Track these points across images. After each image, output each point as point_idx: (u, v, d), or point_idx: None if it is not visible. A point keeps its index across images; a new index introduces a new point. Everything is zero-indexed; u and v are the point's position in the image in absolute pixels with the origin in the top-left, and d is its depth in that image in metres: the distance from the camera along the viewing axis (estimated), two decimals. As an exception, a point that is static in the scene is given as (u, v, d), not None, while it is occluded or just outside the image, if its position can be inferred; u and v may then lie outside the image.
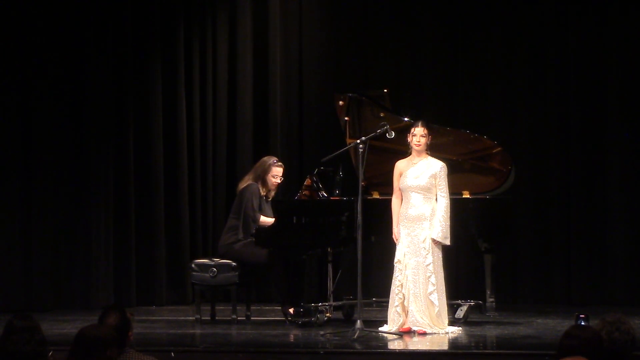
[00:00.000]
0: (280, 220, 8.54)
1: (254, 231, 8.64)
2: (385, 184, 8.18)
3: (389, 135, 8.01)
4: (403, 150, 8.06)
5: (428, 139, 7.94)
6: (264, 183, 8.78)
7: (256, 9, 10.73)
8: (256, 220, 8.72)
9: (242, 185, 8.83)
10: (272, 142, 10.60)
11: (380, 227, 8.09)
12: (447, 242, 7.84)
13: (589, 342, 4.00)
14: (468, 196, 8.58)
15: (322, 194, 8.75)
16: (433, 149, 8.24)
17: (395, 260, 7.85)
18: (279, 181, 8.84)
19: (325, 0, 10.86)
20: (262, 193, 8.79)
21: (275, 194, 8.92)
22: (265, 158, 8.96)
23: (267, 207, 8.83)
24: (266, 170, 8.78)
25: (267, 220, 8.72)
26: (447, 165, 8.13)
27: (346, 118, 8.84)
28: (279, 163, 8.87)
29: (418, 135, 7.89)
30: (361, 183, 7.87)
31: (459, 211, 8.28)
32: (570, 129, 10.19)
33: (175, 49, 10.56)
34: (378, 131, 8.02)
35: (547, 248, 10.21)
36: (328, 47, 10.74)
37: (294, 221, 8.49)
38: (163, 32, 10.55)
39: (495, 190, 8.72)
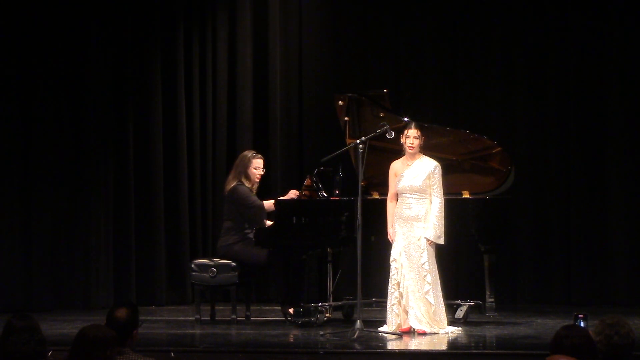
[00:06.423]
0: (280, 220, 8.54)
1: (265, 217, 8.65)
2: (385, 184, 8.18)
3: (389, 135, 8.01)
4: (402, 151, 8.07)
5: (421, 140, 7.94)
6: (247, 177, 8.77)
7: (256, 9, 10.73)
8: (261, 207, 8.70)
9: (228, 186, 8.81)
10: (272, 142, 10.60)
11: (380, 227, 8.08)
12: (441, 241, 7.85)
13: (580, 343, 4.00)
14: (468, 196, 8.58)
15: (322, 194, 8.76)
16: (433, 149, 8.26)
17: (391, 259, 7.86)
18: (262, 173, 8.84)
19: (325, 1, 10.86)
20: (248, 186, 8.79)
21: (259, 187, 8.91)
22: (244, 153, 8.95)
23: None
24: (246, 165, 8.78)
25: (270, 204, 8.72)
26: (446, 165, 8.13)
27: (346, 118, 8.85)
28: (258, 155, 8.87)
29: (411, 137, 7.89)
30: (361, 183, 7.87)
31: (458, 211, 8.29)
32: (570, 129, 10.19)
33: (175, 49, 10.57)
34: (378, 131, 8.02)
35: (547, 248, 10.21)
36: (328, 47, 10.75)
37: (294, 221, 8.50)
38: (163, 32, 10.55)
39: (495, 191, 8.72)
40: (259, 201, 8.72)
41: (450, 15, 10.47)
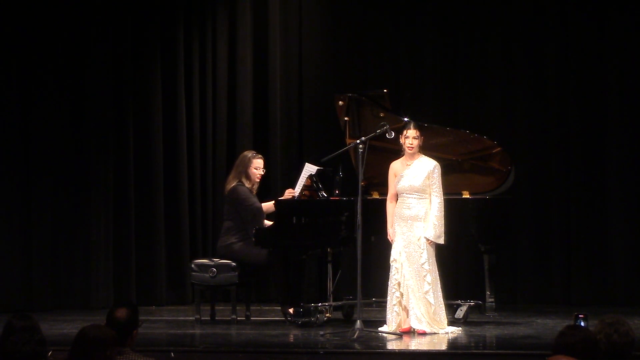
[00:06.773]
0: (280, 220, 8.54)
1: (263, 219, 8.66)
2: (385, 184, 8.18)
3: (389, 135, 8.02)
4: (402, 151, 8.06)
5: (420, 140, 7.94)
6: (247, 177, 8.79)
7: (256, 9, 10.73)
8: (260, 209, 8.70)
9: (229, 186, 8.82)
10: (272, 142, 10.60)
11: (380, 227, 8.08)
12: (441, 241, 7.86)
13: (583, 343, 4.00)
14: (468, 196, 8.58)
15: (322, 194, 8.76)
16: (433, 149, 8.26)
17: (391, 259, 7.86)
18: (262, 173, 8.86)
19: (325, 1, 10.86)
20: (248, 186, 8.80)
21: (259, 187, 8.91)
22: (244, 153, 8.97)
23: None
24: (247, 164, 8.80)
25: (269, 205, 8.72)
26: (446, 165, 8.13)
27: (346, 118, 8.85)
28: (259, 155, 8.89)
29: (411, 137, 7.89)
30: (361, 183, 7.87)
31: (458, 211, 8.29)
32: (570, 129, 10.19)
33: (175, 49, 10.57)
34: (378, 131, 8.02)
35: (547, 248, 10.21)
36: (328, 47, 10.75)
37: (294, 221, 8.50)
38: (163, 32, 10.55)
39: (495, 191, 8.72)
40: (258, 203, 8.72)
41: (450, 15, 10.47)
